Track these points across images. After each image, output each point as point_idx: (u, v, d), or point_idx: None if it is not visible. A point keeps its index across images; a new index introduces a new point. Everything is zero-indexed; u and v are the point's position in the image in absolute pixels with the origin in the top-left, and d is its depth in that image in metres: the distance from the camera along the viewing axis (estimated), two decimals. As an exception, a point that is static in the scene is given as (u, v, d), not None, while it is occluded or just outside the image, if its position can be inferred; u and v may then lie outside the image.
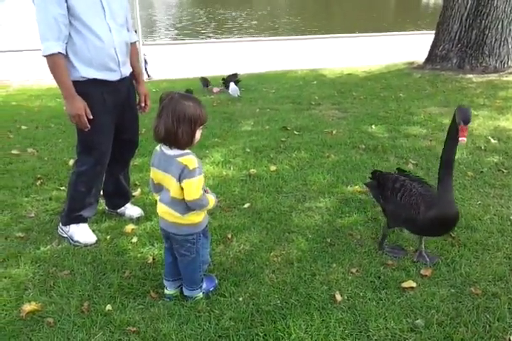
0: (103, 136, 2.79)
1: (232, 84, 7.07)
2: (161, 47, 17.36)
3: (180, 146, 2.05)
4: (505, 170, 3.84)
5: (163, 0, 43.46)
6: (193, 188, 2.06)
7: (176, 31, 24.18)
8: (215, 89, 7.47)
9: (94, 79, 2.65)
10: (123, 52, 2.76)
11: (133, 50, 2.95)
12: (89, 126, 2.66)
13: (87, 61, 2.60)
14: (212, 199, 2.19)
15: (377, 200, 2.87)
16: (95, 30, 2.57)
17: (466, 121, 2.13)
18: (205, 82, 7.53)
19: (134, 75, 2.98)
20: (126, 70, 2.83)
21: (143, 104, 3.02)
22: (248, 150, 4.46)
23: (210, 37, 21.61)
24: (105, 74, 2.68)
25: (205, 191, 2.18)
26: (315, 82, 7.76)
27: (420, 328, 2.13)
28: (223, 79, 7.68)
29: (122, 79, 2.80)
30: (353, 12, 31.57)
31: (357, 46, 17.21)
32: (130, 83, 2.92)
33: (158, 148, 2.15)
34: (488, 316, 2.21)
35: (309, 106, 6.16)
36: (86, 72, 2.62)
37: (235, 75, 7.76)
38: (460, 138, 2.17)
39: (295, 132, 4.98)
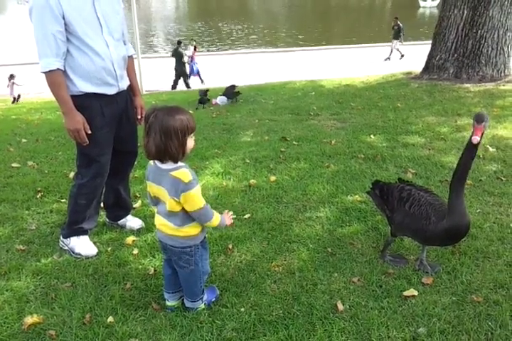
0: (102, 148, 2.81)
1: (221, 96, 7.46)
2: (159, 60, 17.51)
3: (174, 160, 2.06)
4: (503, 178, 3.85)
5: (161, 13, 43.88)
6: (194, 200, 2.07)
7: (174, 44, 24.37)
8: (215, 101, 7.54)
9: (92, 93, 2.67)
10: (120, 66, 2.79)
11: (130, 63, 2.98)
12: (87, 141, 2.68)
13: (84, 76, 2.63)
14: (218, 217, 2.20)
15: (381, 210, 2.84)
16: (93, 46, 2.59)
17: (478, 120, 2.15)
18: (203, 93, 7.60)
19: (131, 88, 3.00)
20: (124, 84, 2.86)
21: (139, 117, 3.04)
22: (248, 160, 4.48)
23: (208, 50, 21.82)
24: (103, 89, 2.70)
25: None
26: (313, 93, 7.82)
27: (422, 336, 2.13)
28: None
29: (120, 92, 2.83)
30: (349, 24, 31.89)
31: (354, 57, 17.37)
32: (128, 95, 2.95)
33: (151, 162, 2.16)
34: (490, 324, 2.21)
35: (308, 116, 6.20)
36: (84, 86, 2.64)
37: (232, 87, 7.84)
38: (472, 137, 2.17)
39: (294, 142, 5.01)
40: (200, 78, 13.83)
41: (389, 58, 17.16)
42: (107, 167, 2.87)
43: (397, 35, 17.16)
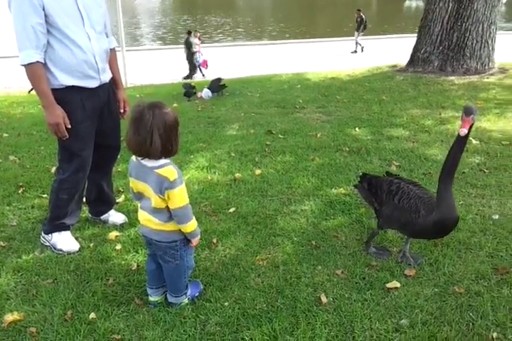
0: (84, 142, 2.77)
1: (205, 89, 7.37)
2: (144, 53, 17.34)
3: (173, 154, 2.05)
4: (486, 171, 3.89)
5: (146, 6, 43.43)
6: (178, 197, 2.05)
7: (159, 37, 24.18)
8: (200, 94, 7.48)
9: (73, 86, 2.63)
10: (103, 59, 2.75)
11: (112, 56, 2.94)
12: (67, 135, 2.64)
13: (65, 69, 2.58)
14: (196, 223, 2.17)
15: (368, 203, 2.84)
16: (74, 39, 2.54)
17: (467, 112, 2.14)
18: (188, 87, 7.53)
19: (114, 81, 2.96)
20: (106, 77, 2.82)
21: (122, 110, 3.01)
22: (233, 154, 4.46)
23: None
24: (84, 82, 2.66)
25: None
26: (299, 86, 7.81)
27: (405, 328, 2.14)
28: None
29: (102, 85, 2.78)
30: (336, 17, 31.86)
31: (340, 50, 17.36)
32: (110, 88, 2.91)
33: (133, 158, 2.12)
34: (471, 314, 2.23)
35: (294, 109, 6.19)
36: (65, 79, 2.60)
37: (218, 80, 7.78)
38: (460, 129, 2.18)
39: (280, 136, 5.00)
40: (201, 71, 13.66)
41: (356, 51, 16.98)
42: (89, 161, 2.83)
43: (360, 27, 16.87)
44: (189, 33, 13.65)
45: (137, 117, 1.95)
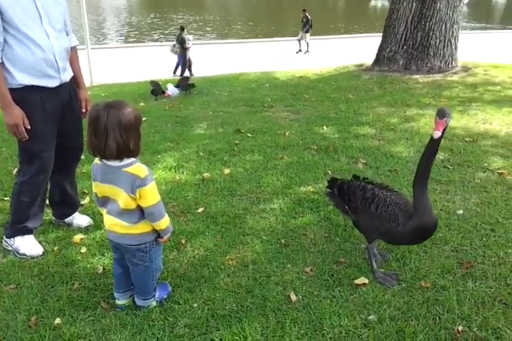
0: (44, 143, 2.69)
1: (170, 85, 7.26)
2: (109, 51, 17.03)
3: (135, 155, 2.00)
4: (450, 167, 3.98)
5: (111, 3, 42.69)
6: (150, 194, 2.02)
7: (125, 34, 23.82)
8: (168, 92, 7.40)
9: (32, 86, 2.55)
10: (63, 58, 2.68)
11: (73, 54, 2.87)
12: (27, 136, 2.55)
13: (24, 68, 2.50)
14: (169, 219, 2.15)
15: (341, 210, 2.73)
16: (32, 37, 2.47)
17: (440, 114, 2.11)
18: (155, 85, 7.43)
19: (75, 80, 2.89)
20: (67, 76, 2.75)
21: (83, 110, 2.94)
22: (201, 153, 4.43)
23: (159, 40, 21.40)
24: (44, 81, 2.58)
25: None
26: (267, 85, 7.82)
27: (373, 324, 2.17)
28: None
29: (63, 84, 2.71)
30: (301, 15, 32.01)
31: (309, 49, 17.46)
32: (71, 87, 2.84)
33: (97, 161, 2.07)
34: (437, 308, 2.27)
35: (262, 108, 6.19)
36: (23, 79, 2.51)
37: (186, 78, 7.72)
38: (434, 132, 2.14)
39: (248, 135, 4.99)
40: (183, 69, 13.55)
41: (307, 51, 16.89)
42: (50, 163, 2.75)
43: (306, 27, 16.73)
44: (182, 28, 13.58)
45: (93, 118, 1.92)
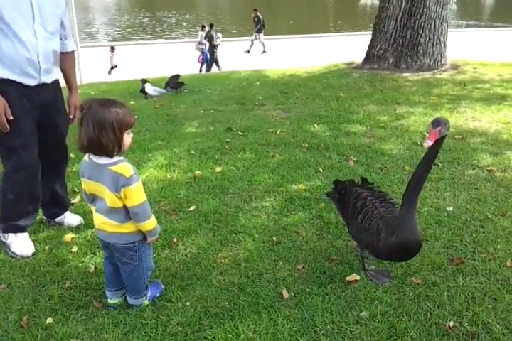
0: (24, 139, 2.66)
1: (148, 85, 7.19)
2: (99, 49, 16.92)
3: (108, 154, 1.98)
4: (440, 164, 4.01)
5: (101, 2, 42.38)
6: (135, 194, 2.01)
7: (115, 33, 23.68)
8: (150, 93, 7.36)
9: (9, 80, 2.54)
10: (48, 60, 2.66)
11: (68, 60, 2.87)
12: (8, 127, 2.53)
13: (5, 62, 2.50)
14: (155, 220, 2.14)
15: (340, 215, 2.71)
16: (19, 34, 2.47)
17: (434, 124, 2.02)
18: (145, 82, 7.39)
19: (68, 85, 2.89)
20: (48, 78, 2.72)
21: (71, 116, 2.90)
22: (193, 152, 4.42)
23: (149, 39, 21.31)
24: (21, 78, 2.57)
25: None
26: (258, 83, 7.81)
27: (365, 320, 2.18)
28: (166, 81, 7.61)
29: (43, 84, 2.69)
30: (293, 14, 32.08)
31: (298, 47, 17.51)
32: (56, 88, 2.82)
33: (86, 157, 2.07)
34: (428, 304, 2.29)
35: (253, 106, 6.19)
36: (3, 72, 2.51)
37: (176, 76, 7.70)
38: (424, 141, 2.04)
39: (240, 133, 4.98)
40: (210, 65, 13.83)
41: (264, 51, 16.70)
42: (32, 160, 2.71)
43: (257, 27, 16.74)
44: (211, 26, 14.05)
45: (80, 108, 1.96)
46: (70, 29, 2.91)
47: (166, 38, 21.59)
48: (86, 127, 1.92)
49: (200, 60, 14.20)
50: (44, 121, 2.76)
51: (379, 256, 2.43)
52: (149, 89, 7.17)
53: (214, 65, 13.98)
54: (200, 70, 13.98)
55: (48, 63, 2.67)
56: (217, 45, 13.72)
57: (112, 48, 14.19)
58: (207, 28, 14.40)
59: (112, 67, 14.18)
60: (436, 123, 2.02)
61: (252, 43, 16.92)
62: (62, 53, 2.82)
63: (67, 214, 3.11)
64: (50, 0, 2.60)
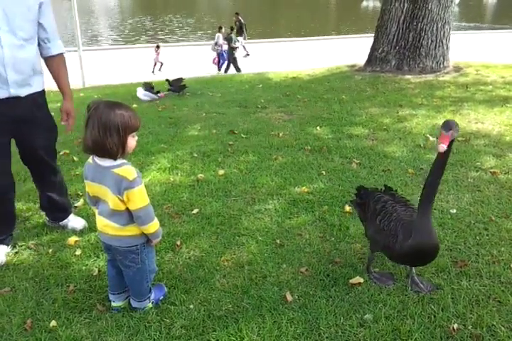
0: None
1: (139, 89, 7.18)
2: (102, 53, 16.99)
3: (112, 157, 1.99)
4: (443, 166, 3.99)
5: (104, 6, 42.54)
6: (138, 197, 2.01)
7: (117, 37, 23.76)
8: (161, 94, 7.39)
9: None
10: (21, 71, 2.51)
11: (56, 64, 2.73)
12: None
13: None
14: (158, 223, 2.13)
15: (360, 220, 2.69)
16: None
17: (446, 127, 1.99)
18: (148, 87, 7.42)
19: (60, 91, 2.79)
20: (22, 91, 2.57)
21: (62, 123, 2.81)
22: (195, 155, 4.43)
23: (152, 42, 21.37)
24: None
25: None
26: (261, 86, 7.83)
27: (369, 323, 2.18)
28: (168, 83, 7.62)
29: (16, 98, 2.55)
30: (295, 17, 32.14)
31: (301, 50, 17.54)
32: (34, 102, 2.68)
33: (90, 160, 2.08)
34: (432, 307, 2.28)
35: (256, 109, 6.19)
36: None
37: (179, 80, 7.71)
38: (439, 145, 2.00)
39: (242, 135, 4.99)
40: (227, 66, 14.17)
41: (248, 54, 16.79)
42: (3, 176, 2.64)
43: (239, 31, 16.57)
44: (231, 28, 14.39)
45: (87, 109, 1.96)
46: (56, 31, 2.69)
47: (177, 40, 21.72)
48: (91, 129, 1.92)
49: (216, 61, 14.53)
50: (19, 138, 2.67)
51: (394, 259, 2.40)
52: (140, 93, 7.17)
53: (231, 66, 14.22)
54: (219, 70, 14.36)
55: (21, 74, 2.52)
56: (235, 48, 13.90)
57: (158, 47, 14.45)
58: (223, 30, 14.76)
59: (157, 64, 14.51)
60: (448, 126, 2.00)
61: (244, 49, 16.99)
62: (47, 57, 2.70)
63: (71, 217, 3.11)
64: (17, 5, 2.43)
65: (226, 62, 14.19)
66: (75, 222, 3.09)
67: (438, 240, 2.25)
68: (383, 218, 2.35)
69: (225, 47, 14.18)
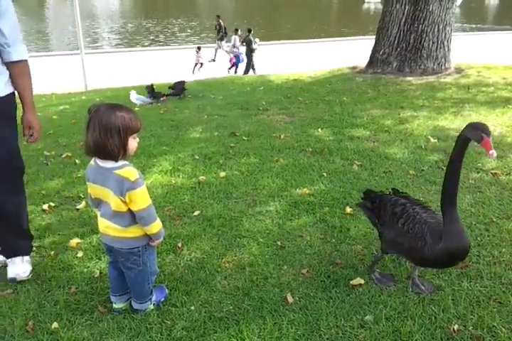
0: None
1: (132, 93, 7.16)
2: (104, 56, 17.06)
3: (113, 158, 2.00)
4: (444, 168, 3.99)
5: (105, 9, 42.71)
6: (140, 198, 2.02)
7: (119, 40, 23.85)
8: (163, 98, 7.42)
9: None
10: None
11: (17, 70, 2.47)
12: None
13: None
14: (160, 223, 2.14)
15: (372, 224, 2.63)
16: None
17: (487, 132, 1.96)
18: (150, 90, 7.45)
19: (21, 100, 2.52)
20: None
21: (25, 137, 2.55)
22: (197, 157, 4.44)
23: (153, 45, 21.45)
24: None
25: None
26: (262, 88, 7.84)
27: (370, 324, 2.18)
28: (170, 87, 7.65)
29: None
30: (296, 18, 32.19)
31: (302, 52, 17.56)
32: None
33: (92, 161, 2.09)
34: (433, 308, 2.29)
35: (257, 111, 6.21)
36: None
37: (181, 82, 7.74)
38: (490, 152, 1.94)
39: (244, 137, 5.00)
40: (247, 68, 14.38)
41: (214, 60, 16.72)
42: None
43: (219, 34, 16.67)
44: (249, 30, 14.49)
45: (88, 112, 1.98)
46: (18, 35, 2.47)
47: (179, 44, 21.78)
48: (92, 131, 1.94)
49: (234, 61, 14.79)
50: None
51: (420, 263, 2.32)
52: (133, 97, 7.17)
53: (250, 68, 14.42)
54: (236, 72, 14.57)
55: None
56: (254, 50, 14.07)
57: (199, 48, 14.91)
58: (239, 32, 15.15)
59: (198, 65, 14.95)
60: (486, 131, 1.98)
61: (216, 52, 16.96)
62: (8, 63, 2.45)
63: (17, 260, 2.63)
64: None
65: (245, 64, 14.38)
66: (18, 267, 2.60)
67: (469, 240, 2.18)
68: (406, 221, 2.29)
69: (240, 49, 14.49)
